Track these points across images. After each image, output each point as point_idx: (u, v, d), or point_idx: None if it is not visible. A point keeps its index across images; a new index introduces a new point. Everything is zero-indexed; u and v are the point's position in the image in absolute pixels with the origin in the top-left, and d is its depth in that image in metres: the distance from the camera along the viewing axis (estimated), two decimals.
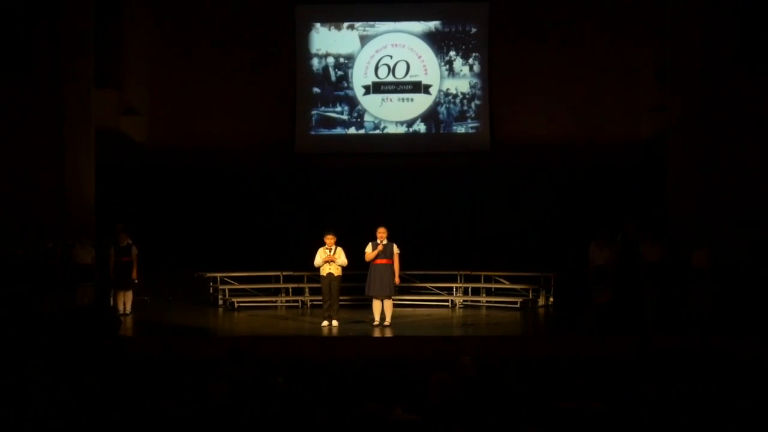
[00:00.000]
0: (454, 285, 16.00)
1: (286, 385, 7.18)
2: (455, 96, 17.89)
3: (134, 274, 14.64)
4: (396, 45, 17.97)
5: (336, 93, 18.05)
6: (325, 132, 18.12)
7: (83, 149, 15.88)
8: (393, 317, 13.25)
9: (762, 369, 9.07)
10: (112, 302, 14.57)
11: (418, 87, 17.90)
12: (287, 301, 16.00)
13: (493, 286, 16.03)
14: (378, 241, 13.04)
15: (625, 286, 14.17)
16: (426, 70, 17.88)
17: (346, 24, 18.07)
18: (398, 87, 17.96)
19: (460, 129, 17.95)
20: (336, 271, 13.22)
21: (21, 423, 6.36)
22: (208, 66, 18.13)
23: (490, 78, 17.76)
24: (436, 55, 17.86)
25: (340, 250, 13.25)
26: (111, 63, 17.71)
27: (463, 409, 6.66)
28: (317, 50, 18.07)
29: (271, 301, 15.99)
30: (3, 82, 15.92)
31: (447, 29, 17.92)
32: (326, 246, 13.24)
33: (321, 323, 13.23)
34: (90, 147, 15.99)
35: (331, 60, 18.04)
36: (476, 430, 6.33)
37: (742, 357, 10.23)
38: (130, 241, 14.74)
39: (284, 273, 16.14)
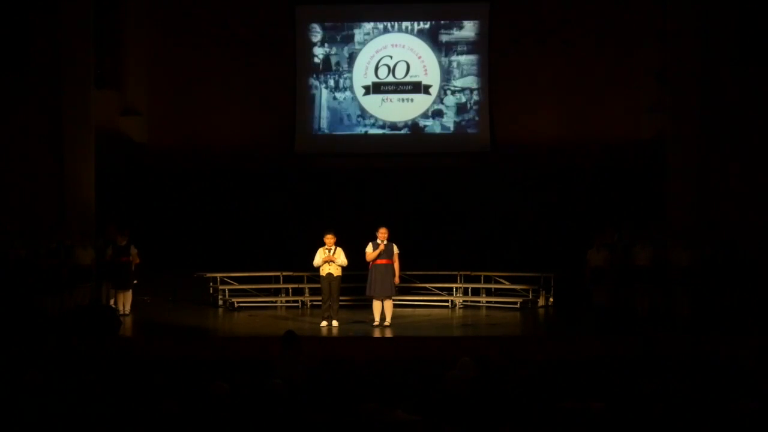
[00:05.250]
0: (454, 285, 15.99)
1: (284, 386, 7.18)
2: (455, 96, 17.88)
3: (133, 265, 14.66)
4: (396, 45, 17.97)
5: (336, 93, 18.05)
6: (325, 132, 18.12)
7: (83, 149, 15.88)
8: (393, 317, 13.24)
9: (760, 369, 9.07)
10: (112, 302, 14.55)
11: (418, 87, 17.89)
12: (287, 302, 15.99)
13: (493, 286, 16.03)
14: (379, 241, 13.04)
15: (623, 287, 14.20)
16: (426, 70, 17.88)
17: (346, 24, 18.07)
18: (398, 87, 17.95)
19: (460, 129, 17.94)
20: (336, 271, 13.22)
21: (21, 423, 6.36)
22: (208, 66, 18.13)
23: (490, 78, 17.75)
24: (436, 55, 17.86)
25: (339, 250, 13.25)
26: (111, 63, 17.72)
27: (463, 409, 6.66)
28: (317, 50, 18.06)
29: (271, 302, 15.98)
30: (3, 83, 15.92)
31: (447, 29, 17.92)
32: (326, 246, 13.23)
33: (320, 323, 13.23)
34: (90, 147, 15.99)
35: (330, 60, 18.04)
36: (477, 430, 6.33)
37: (740, 357, 10.22)
38: (127, 241, 14.73)
39: (284, 273, 16.13)
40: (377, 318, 13.14)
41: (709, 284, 13.68)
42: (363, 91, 17.97)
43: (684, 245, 13.75)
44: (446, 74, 17.87)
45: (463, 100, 17.89)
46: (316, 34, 18.08)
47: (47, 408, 6.59)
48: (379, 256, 13.00)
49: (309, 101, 18.08)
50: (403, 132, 18.00)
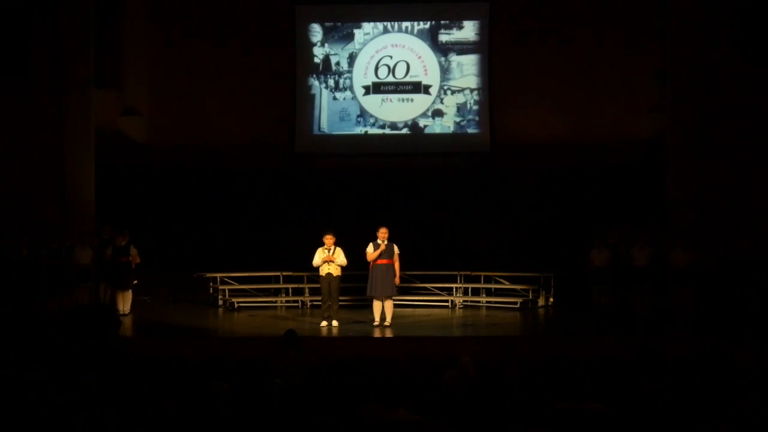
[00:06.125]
0: (454, 285, 15.98)
1: (284, 386, 7.18)
2: (455, 96, 17.88)
3: (133, 264, 14.65)
4: (396, 45, 17.97)
5: (336, 93, 18.05)
6: (325, 132, 18.12)
7: (83, 149, 15.88)
8: (393, 317, 13.24)
9: (759, 370, 9.07)
10: (111, 302, 14.56)
11: (418, 87, 17.90)
12: (287, 302, 15.99)
13: (493, 286, 16.02)
14: (379, 242, 13.04)
15: (622, 288, 14.20)
16: (426, 70, 17.88)
17: (346, 24, 18.08)
18: (398, 87, 17.96)
19: (460, 129, 17.94)
20: (335, 271, 13.21)
21: (21, 423, 6.36)
22: (208, 66, 18.14)
23: (490, 78, 17.75)
24: (436, 55, 17.86)
25: (339, 250, 13.24)
26: (111, 63, 17.74)
27: (463, 409, 6.66)
28: (317, 50, 18.06)
29: (271, 302, 15.97)
30: (3, 83, 15.92)
31: (447, 29, 17.92)
32: (325, 246, 13.23)
33: (320, 323, 13.23)
34: (90, 147, 15.99)
35: (330, 60, 18.05)
36: (476, 430, 6.33)
37: (739, 358, 10.22)
38: (127, 241, 14.72)
39: (284, 273, 16.13)
40: (377, 318, 13.14)
41: (710, 285, 13.66)
42: (363, 91, 17.98)
43: (684, 246, 13.74)
44: (446, 74, 17.87)
45: (463, 100, 17.90)
46: (316, 34, 18.08)
47: (47, 408, 6.59)
48: (379, 257, 13.00)
49: (309, 101, 18.08)
50: (403, 132, 18.00)
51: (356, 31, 18.03)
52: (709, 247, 13.90)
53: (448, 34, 17.93)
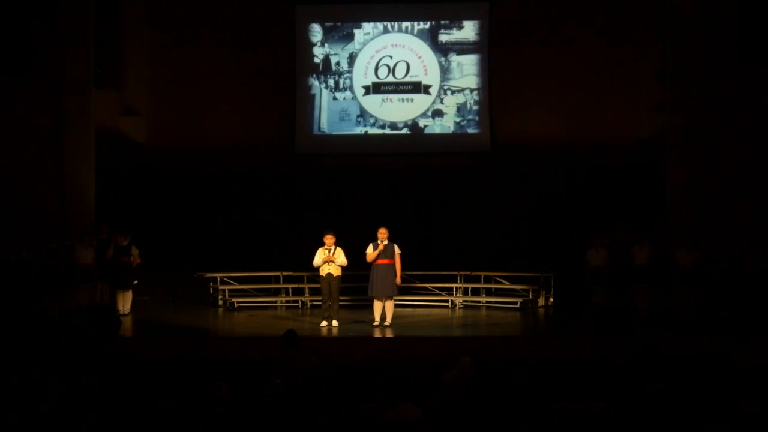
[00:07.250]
0: (454, 285, 16.00)
1: (284, 386, 7.19)
2: (455, 96, 17.87)
3: (134, 264, 14.65)
4: (396, 45, 17.97)
5: (336, 93, 18.05)
6: (325, 132, 18.12)
7: (83, 149, 15.90)
8: (393, 317, 13.24)
9: (760, 370, 9.07)
10: (111, 302, 14.56)
11: (418, 87, 17.89)
12: (287, 302, 16.00)
13: (492, 286, 16.03)
14: (379, 242, 13.04)
15: (621, 287, 14.22)
16: (426, 70, 17.88)
17: (346, 24, 18.08)
18: (398, 87, 17.95)
19: (460, 129, 17.94)
20: (335, 271, 13.22)
21: (21, 423, 6.36)
22: (208, 66, 18.13)
23: (490, 78, 17.75)
24: (436, 55, 17.86)
25: (339, 250, 13.25)
26: (111, 63, 17.73)
27: (463, 409, 6.67)
28: (317, 50, 18.06)
29: (271, 302, 15.98)
30: (3, 83, 15.93)
31: (447, 29, 17.92)
32: (325, 246, 13.24)
33: (320, 323, 13.23)
34: (90, 147, 16.01)
35: (330, 60, 18.04)
36: (476, 430, 6.34)
37: (740, 358, 10.22)
38: (129, 241, 14.73)
39: (284, 273, 16.14)
40: (377, 318, 13.14)
41: (713, 284, 13.66)
42: (363, 91, 17.97)
43: (688, 245, 13.74)
44: (446, 74, 17.87)
45: (463, 100, 17.89)
46: (316, 34, 18.08)
47: (47, 408, 6.59)
48: (379, 256, 13.00)
49: (309, 101, 18.07)
50: (403, 132, 17.99)
51: (356, 31, 18.03)
52: (711, 246, 13.90)
53: (448, 34, 17.92)
